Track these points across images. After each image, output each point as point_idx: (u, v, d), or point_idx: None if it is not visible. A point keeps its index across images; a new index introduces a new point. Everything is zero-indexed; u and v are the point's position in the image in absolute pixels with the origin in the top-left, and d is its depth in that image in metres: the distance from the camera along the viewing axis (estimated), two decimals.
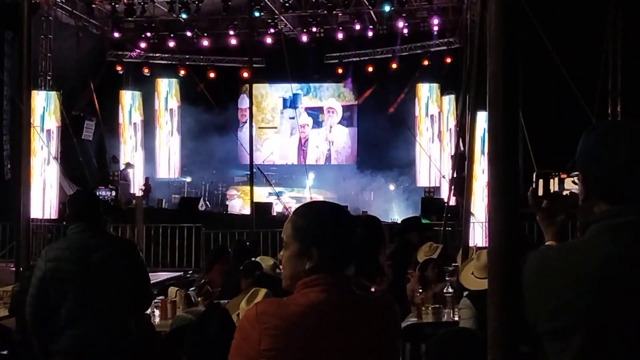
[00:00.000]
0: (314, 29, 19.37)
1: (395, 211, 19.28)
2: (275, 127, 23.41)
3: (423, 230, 8.18)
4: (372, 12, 18.61)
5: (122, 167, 19.85)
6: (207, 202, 20.39)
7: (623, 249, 1.90)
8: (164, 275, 11.64)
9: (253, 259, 7.48)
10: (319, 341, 2.15)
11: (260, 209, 16.66)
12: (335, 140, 23.14)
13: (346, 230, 2.27)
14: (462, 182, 10.75)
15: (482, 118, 10.64)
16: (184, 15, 18.28)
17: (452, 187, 12.07)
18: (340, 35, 19.35)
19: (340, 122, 23.16)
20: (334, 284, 2.22)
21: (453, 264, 8.89)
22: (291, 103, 22.51)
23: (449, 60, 19.21)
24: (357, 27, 18.84)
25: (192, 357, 4.16)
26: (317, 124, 23.13)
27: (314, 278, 2.22)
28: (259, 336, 2.15)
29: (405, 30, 18.91)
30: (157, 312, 6.64)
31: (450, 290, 7.05)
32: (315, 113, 23.11)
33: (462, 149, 12.23)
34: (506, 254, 2.09)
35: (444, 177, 18.27)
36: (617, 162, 1.94)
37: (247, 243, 10.71)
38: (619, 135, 1.98)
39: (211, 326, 4.08)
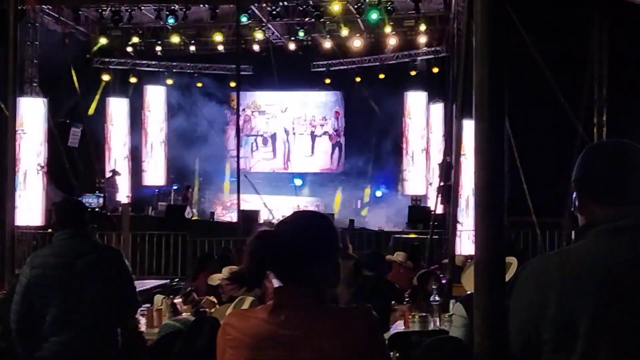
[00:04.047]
0: (302, 37, 19.39)
1: (382, 219, 19.28)
2: (262, 135, 23.41)
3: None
4: (359, 20, 18.65)
5: (108, 174, 19.78)
6: (194, 210, 20.34)
7: (622, 252, 1.93)
8: (150, 283, 11.56)
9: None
10: (276, 355, 2.14)
11: (247, 217, 16.63)
12: (322, 147, 23.16)
13: (304, 246, 2.23)
14: (448, 190, 10.76)
15: (468, 126, 10.67)
16: (171, 21, 18.24)
17: (439, 196, 12.07)
18: (327, 44, 19.38)
19: (327, 130, 23.20)
20: (296, 297, 2.20)
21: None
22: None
23: (436, 69, 19.28)
24: (345, 34, 18.87)
25: None
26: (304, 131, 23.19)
27: (278, 289, 2.23)
28: (224, 347, 2.21)
29: (393, 40, 18.95)
30: (142, 320, 6.60)
31: (437, 298, 7.04)
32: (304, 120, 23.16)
33: (448, 157, 12.24)
34: (493, 263, 2.09)
35: (430, 184, 18.30)
36: (606, 165, 2.03)
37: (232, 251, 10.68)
38: (605, 147, 2.15)
39: (201, 336, 4.06)
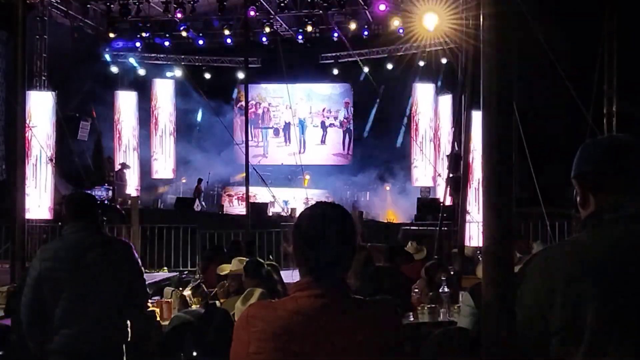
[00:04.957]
0: (310, 29, 19.36)
1: (391, 211, 19.30)
2: (271, 127, 23.45)
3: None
4: (367, 11, 18.61)
5: (117, 167, 19.84)
6: (203, 203, 20.39)
7: (626, 240, 1.96)
8: (159, 276, 11.62)
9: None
10: (306, 347, 2.13)
11: (256, 210, 16.65)
12: (330, 139, 23.19)
13: (333, 234, 2.23)
14: (457, 181, 10.75)
15: (477, 118, 10.62)
16: (179, 15, 18.26)
17: (448, 187, 12.06)
18: (335, 35, 19.36)
19: (336, 122, 23.21)
20: (323, 288, 2.19)
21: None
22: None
23: (444, 60, 19.22)
24: (353, 26, 18.84)
25: (192, 357, 4.16)
26: (312, 123, 23.23)
27: (304, 282, 2.22)
28: (248, 339, 2.18)
29: (401, 30, 18.91)
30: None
31: (446, 289, 7.05)
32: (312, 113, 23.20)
33: (457, 148, 12.22)
34: (501, 254, 2.08)
35: (439, 175, 18.27)
36: (603, 156, 2.09)
37: (242, 243, 10.72)
38: (600, 140, 2.21)
39: (212, 327, 4.08)
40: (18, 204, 9.12)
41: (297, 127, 22.69)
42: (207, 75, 21.95)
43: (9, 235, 10.21)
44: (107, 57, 20.91)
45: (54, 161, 15.76)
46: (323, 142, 23.26)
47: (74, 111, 18.88)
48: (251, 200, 16.05)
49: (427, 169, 19.12)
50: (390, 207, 19.67)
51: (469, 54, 9.78)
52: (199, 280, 7.88)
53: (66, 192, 14.41)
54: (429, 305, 6.69)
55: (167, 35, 20.01)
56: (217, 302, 6.60)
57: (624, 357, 1.88)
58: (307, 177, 20.24)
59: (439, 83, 19.62)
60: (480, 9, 2.12)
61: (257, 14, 18.40)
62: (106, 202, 17.12)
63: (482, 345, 2.11)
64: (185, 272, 13.05)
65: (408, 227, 15.44)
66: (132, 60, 21.30)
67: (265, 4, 18.19)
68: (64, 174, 17.10)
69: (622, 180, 2.04)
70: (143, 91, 21.64)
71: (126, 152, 20.96)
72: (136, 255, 4.65)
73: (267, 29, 19.36)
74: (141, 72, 21.48)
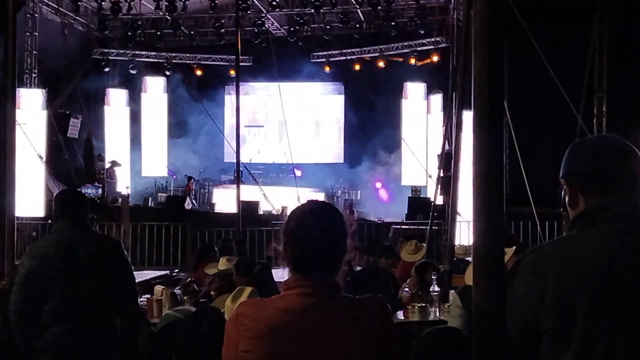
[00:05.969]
0: (301, 28, 19.35)
1: (382, 210, 19.29)
2: (263, 125, 23.40)
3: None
4: (359, 11, 18.61)
5: (107, 165, 19.77)
6: (194, 201, 20.33)
7: (615, 240, 1.97)
8: (149, 274, 11.57)
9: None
10: (294, 346, 2.14)
11: (247, 208, 16.61)
12: (322, 138, 23.17)
13: (321, 232, 2.24)
14: (448, 181, 10.74)
15: (468, 117, 10.62)
16: (170, 13, 18.21)
17: (439, 186, 12.06)
18: (327, 34, 19.36)
19: (328, 122, 23.19)
20: (312, 286, 2.20)
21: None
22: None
23: (436, 59, 19.25)
24: (344, 25, 18.85)
25: (182, 357, 4.14)
26: (304, 122, 23.20)
27: (294, 280, 2.22)
28: (238, 337, 2.18)
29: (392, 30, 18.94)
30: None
31: (436, 288, 7.05)
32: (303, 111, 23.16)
33: (448, 147, 12.23)
34: (491, 253, 2.09)
35: (430, 176, 18.28)
36: (592, 157, 2.10)
37: (232, 241, 10.67)
38: (589, 141, 2.26)
39: (202, 326, 4.06)
40: (8, 202, 9.06)
41: (291, 126, 22.65)
42: (199, 73, 21.91)
43: None
44: (98, 54, 20.82)
45: (44, 159, 15.70)
46: (315, 140, 23.22)
47: (64, 108, 18.80)
48: (244, 199, 16.01)
49: (418, 168, 19.12)
50: (381, 205, 19.68)
51: (460, 53, 9.79)
52: (189, 279, 7.84)
53: (56, 190, 14.35)
54: (419, 305, 6.69)
55: (158, 33, 19.96)
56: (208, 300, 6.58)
57: (613, 356, 1.89)
58: (299, 173, 20.22)
59: (430, 82, 19.64)
60: (471, 9, 2.12)
61: (249, 12, 18.37)
62: (96, 200, 17.05)
63: (473, 346, 2.11)
64: (176, 271, 13.02)
65: (399, 226, 15.44)
66: (123, 58, 21.23)
67: (257, 2, 18.17)
68: (54, 172, 17.03)
69: (611, 181, 2.05)
70: (134, 89, 21.58)
71: (117, 150, 20.89)
72: (125, 253, 4.64)
73: (259, 28, 19.33)
74: (132, 69, 21.41)
